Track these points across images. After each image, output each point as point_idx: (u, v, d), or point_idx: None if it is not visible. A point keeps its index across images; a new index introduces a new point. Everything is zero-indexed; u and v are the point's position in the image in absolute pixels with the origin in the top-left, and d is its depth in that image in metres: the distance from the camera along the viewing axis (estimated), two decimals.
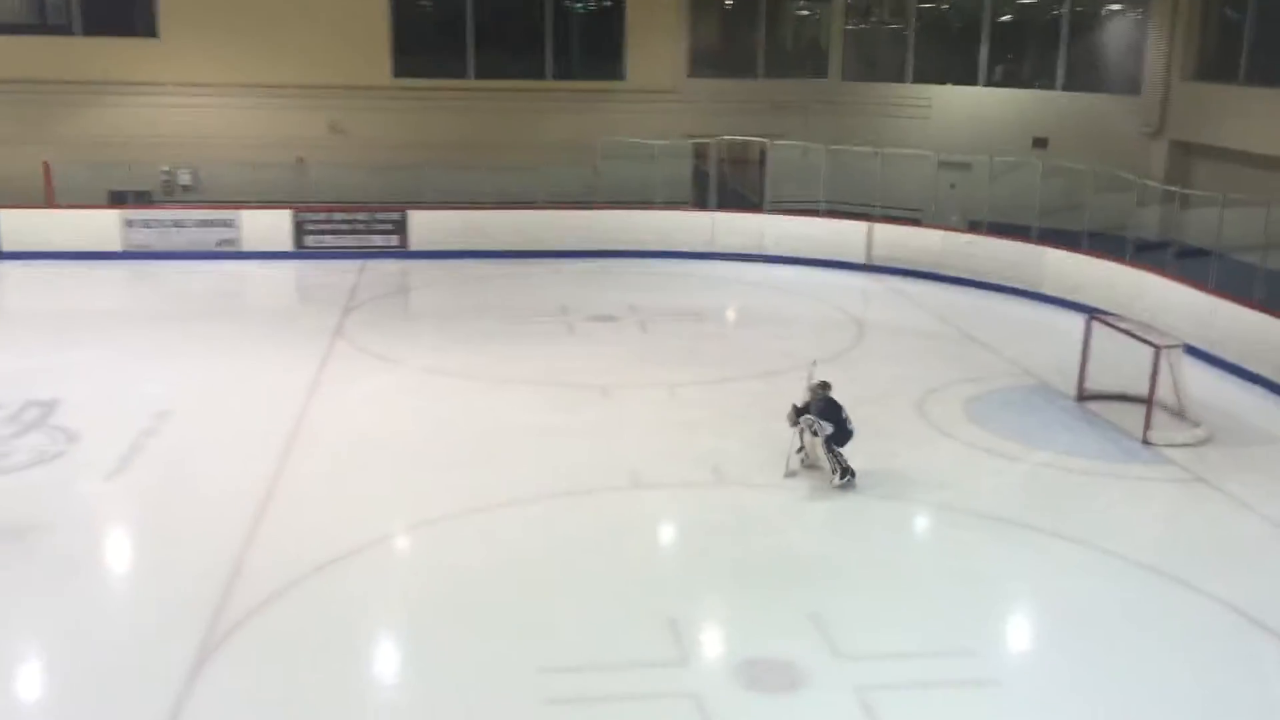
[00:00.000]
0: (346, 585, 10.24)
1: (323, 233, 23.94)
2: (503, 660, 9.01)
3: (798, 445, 12.87)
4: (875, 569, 10.77)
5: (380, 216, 24.09)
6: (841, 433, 12.45)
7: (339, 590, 10.15)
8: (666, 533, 11.98)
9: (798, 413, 12.72)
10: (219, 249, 23.53)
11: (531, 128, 26.78)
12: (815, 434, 12.54)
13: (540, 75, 27.89)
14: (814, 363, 13.68)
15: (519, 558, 10.84)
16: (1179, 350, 14.68)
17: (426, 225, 24.16)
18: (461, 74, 27.54)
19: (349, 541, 10.87)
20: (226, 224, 23.65)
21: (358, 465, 12.98)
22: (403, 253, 24.05)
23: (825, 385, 12.73)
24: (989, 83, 27.18)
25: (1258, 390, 16.17)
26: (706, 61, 28.98)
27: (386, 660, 9.44)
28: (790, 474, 12.78)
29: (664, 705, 8.46)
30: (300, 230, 23.86)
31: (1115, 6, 26.14)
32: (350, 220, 23.99)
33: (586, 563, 10.77)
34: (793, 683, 8.73)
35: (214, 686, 8.58)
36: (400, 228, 24.11)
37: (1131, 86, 25.31)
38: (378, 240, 24.06)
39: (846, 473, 12.44)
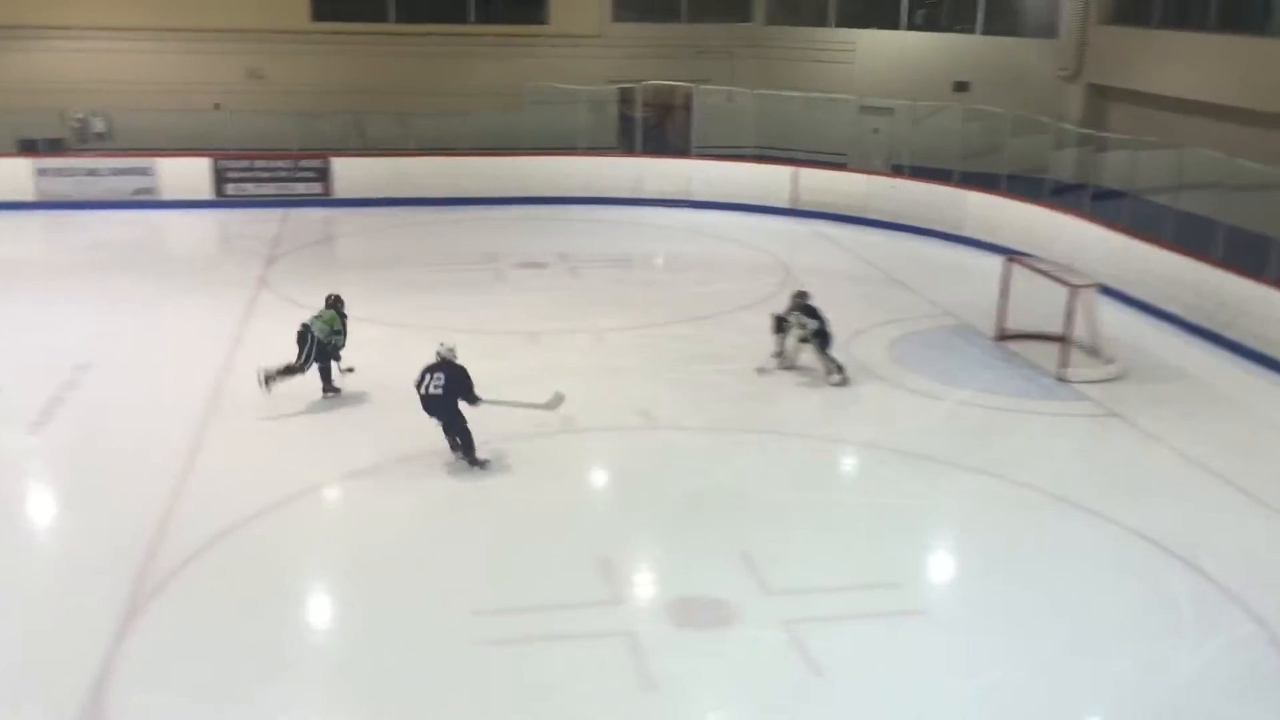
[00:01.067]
0: (276, 536, 10.24)
1: (244, 180, 23.50)
2: (436, 604, 9.11)
3: (776, 349, 14.11)
4: (803, 507, 11.01)
5: (303, 164, 23.70)
6: (825, 334, 13.81)
7: (268, 540, 10.15)
8: (598, 476, 12.13)
9: (779, 320, 13.93)
10: (136, 198, 23.00)
11: (455, 73, 26.45)
12: (803, 328, 13.86)
13: (462, 19, 27.48)
14: (800, 290, 14.56)
15: (450, 503, 10.91)
16: (1094, 290, 15.10)
17: (351, 173, 23.83)
18: (382, 18, 27.03)
19: (278, 492, 10.84)
20: (143, 172, 23.10)
21: (285, 416, 12.88)
22: (327, 201, 23.72)
23: (803, 294, 14.03)
24: (910, 27, 27.35)
25: (1169, 327, 16.69)
26: (630, 6, 28.74)
27: (319, 608, 9.49)
28: (762, 371, 14.09)
29: (597, 644, 8.63)
30: (220, 178, 23.40)
31: None
32: (272, 168, 23.57)
33: (518, 506, 10.87)
34: (724, 619, 8.94)
35: (145, 639, 8.56)
36: (324, 175, 23.75)
37: (1049, 30, 25.65)
38: (301, 188, 23.68)
39: (840, 369, 13.83)
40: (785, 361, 14.24)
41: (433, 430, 12.32)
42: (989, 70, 25.70)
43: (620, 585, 9.52)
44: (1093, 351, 14.93)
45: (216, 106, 24.80)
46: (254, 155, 23.55)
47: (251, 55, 26.10)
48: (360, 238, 21.88)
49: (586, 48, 27.54)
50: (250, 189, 23.45)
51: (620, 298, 17.84)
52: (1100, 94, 24.95)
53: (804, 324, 13.91)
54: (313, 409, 13.10)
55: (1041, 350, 15.08)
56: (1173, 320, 16.77)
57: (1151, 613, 9.24)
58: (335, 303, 13.48)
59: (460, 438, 11.46)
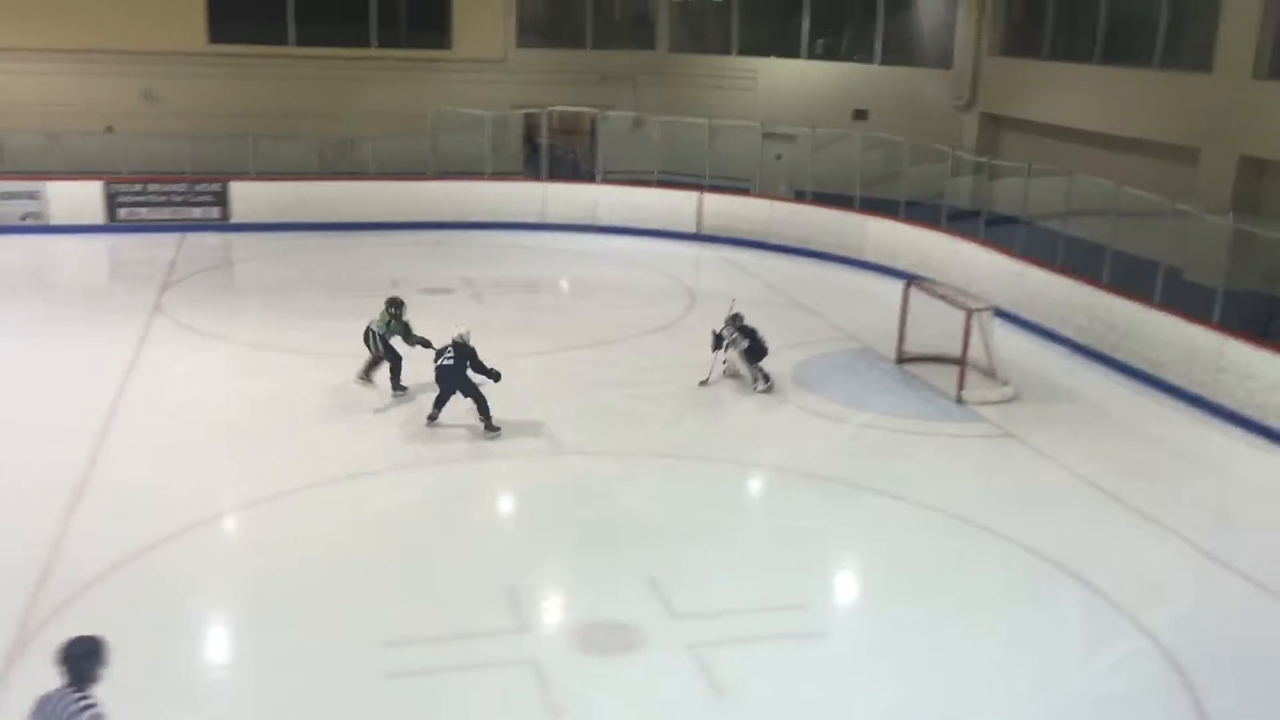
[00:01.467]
0: (172, 568, 9.96)
1: (137, 205, 22.93)
2: (340, 636, 8.94)
3: (722, 358, 15.03)
4: (709, 530, 11.06)
5: (199, 188, 23.22)
6: (758, 347, 14.80)
7: (164, 573, 9.86)
8: (504, 502, 12.05)
9: (717, 336, 14.90)
10: (24, 223, 22.29)
11: (358, 97, 26.21)
12: (736, 346, 14.78)
13: (365, 43, 27.24)
14: (733, 300, 15.66)
15: (354, 532, 10.72)
16: (989, 313, 15.48)
17: (250, 196, 23.41)
18: (282, 40, 26.66)
19: (173, 523, 10.56)
20: (31, 196, 22.39)
21: (180, 446, 12.57)
22: (225, 225, 23.26)
23: (738, 316, 15.02)
24: (811, 56, 27.86)
25: (1061, 350, 17.18)
26: (535, 31, 28.84)
27: (218, 642, 9.25)
28: (704, 383, 14.89)
29: (503, 673, 8.55)
30: (113, 202, 22.81)
31: None
32: (166, 192, 23.05)
33: (423, 535, 10.74)
34: (629, 644, 8.93)
35: (31, 676, 8.23)
36: (221, 199, 23.29)
37: (944, 61, 26.34)
38: (197, 212, 23.20)
39: (766, 379, 14.71)
40: (730, 369, 15.14)
41: (337, 458, 12.16)
42: (887, 99, 26.29)
43: (526, 613, 9.45)
44: (989, 373, 15.30)
45: (109, 129, 24.20)
46: (148, 178, 23.00)
47: (146, 77, 25.55)
48: (260, 263, 21.49)
49: (491, 73, 27.52)
50: (144, 213, 22.88)
51: (526, 323, 17.78)
52: (994, 123, 25.68)
53: (736, 342, 14.80)
54: (209, 437, 12.79)
55: (940, 372, 15.41)
56: (1065, 342, 17.27)
57: (1046, 628, 9.46)
58: (390, 304, 14.66)
59: (477, 402, 13.06)
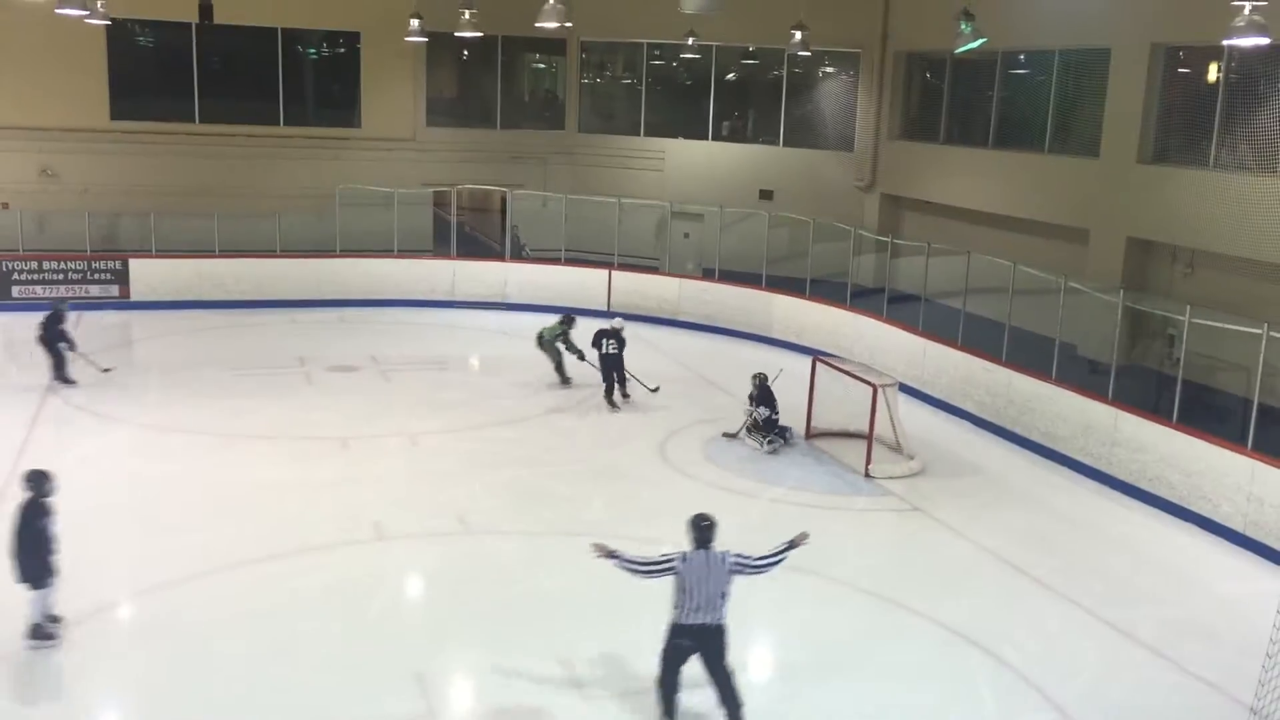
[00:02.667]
0: (64, 659, 9.55)
1: (32, 282, 22.35)
2: None
3: (750, 414, 16.06)
4: (619, 608, 10.93)
5: (98, 265, 22.73)
6: (771, 420, 15.80)
7: (56, 664, 9.46)
8: (412, 585, 11.82)
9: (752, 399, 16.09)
10: None
11: (265, 175, 26.00)
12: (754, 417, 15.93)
13: (273, 121, 27.08)
14: (780, 371, 16.58)
15: (255, 619, 10.41)
16: (895, 389, 15.79)
17: (151, 274, 22.98)
18: (187, 117, 26.39)
19: (69, 610, 10.12)
20: None
21: (76, 532, 11.98)
22: (125, 303, 22.77)
23: (763, 376, 16.13)
24: (717, 137, 28.46)
25: (964, 424, 17.54)
26: (444, 111, 29.02)
27: None
28: (731, 436, 16.13)
29: None
30: (7, 279, 22.20)
31: (829, 69, 27.99)
32: (63, 269, 22.51)
33: (328, 620, 10.46)
34: None
35: None
36: (121, 277, 22.82)
37: (846, 144, 27.12)
38: (95, 290, 22.68)
39: (772, 441, 15.70)
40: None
41: (238, 542, 11.84)
42: (792, 179, 26.92)
43: (434, 698, 9.24)
44: (895, 448, 15.54)
45: (4, 205, 23.63)
46: (44, 255, 22.45)
47: (46, 154, 25.07)
48: (161, 341, 21.02)
49: (400, 151, 27.57)
50: (39, 291, 22.29)
51: (435, 401, 17.63)
52: (894, 203, 26.43)
53: (755, 410, 15.94)
54: (106, 523, 12.36)
55: (848, 447, 15.61)
56: (966, 416, 17.65)
57: (957, 702, 9.53)
58: (564, 320, 18.37)
59: (620, 381, 17.30)
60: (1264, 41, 12.98)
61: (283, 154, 26.58)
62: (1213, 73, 18.47)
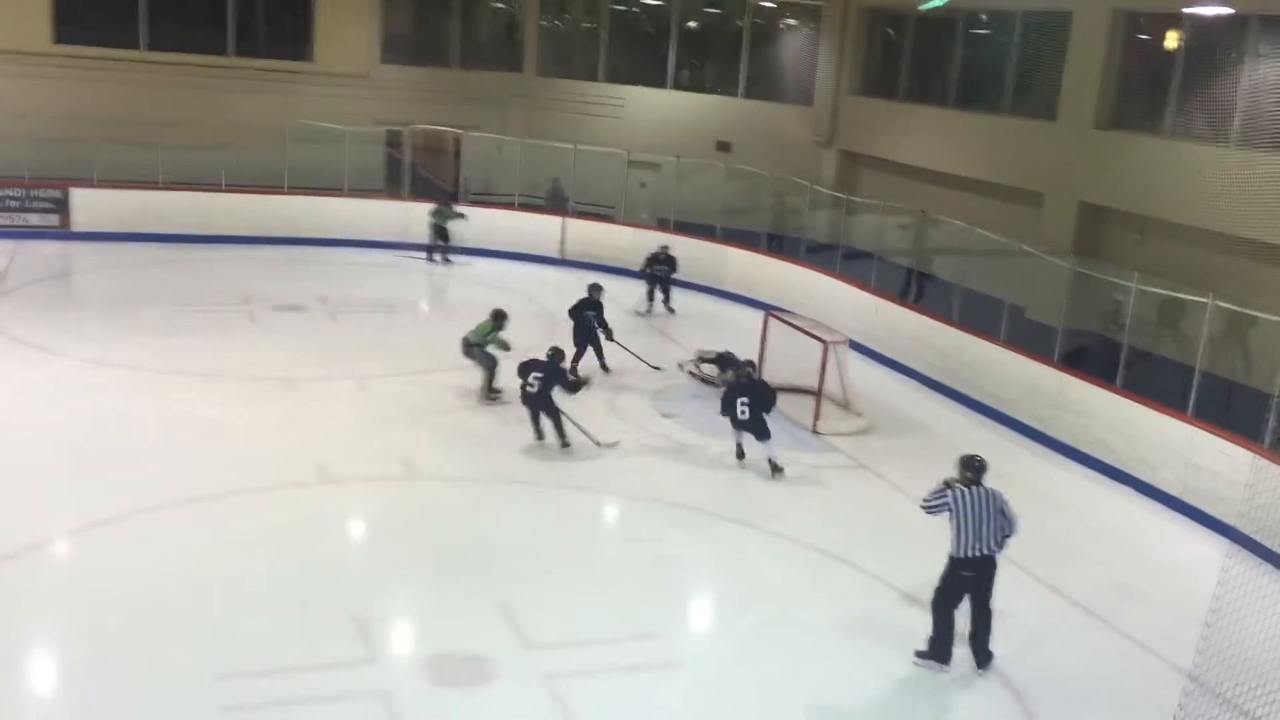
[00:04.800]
0: (0, 594, 9.37)
1: None
2: (177, 668, 8.52)
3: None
4: (565, 559, 10.96)
5: (37, 194, 22.12)
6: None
7: None
8: (354, 529, 11.72)
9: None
10: None
11: (214, 106, 25.33)
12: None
13: (222, 51, 26.40)
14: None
15: (193, 559, 10.26)
16: (845, 346, 15.82)
17: (93, 205, 22.42)
18: (133, 44, 25.63)
19: (1, 547, 9.95)
20: None
21: (10, 467, 11.88)
22: (64, 234, 22.22)
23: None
24: (676, 86, 28.19)
25: (912, 383, 17.65)
26: (400, 48, 28.45)
27: (44, 673, 8.71)
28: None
29: (350, 706, 8.28)
30: None
31: (791, 22, 27.76)
32: (1, 196, 21.88)
33: (268, 562, 10.35)
34: (482, 675, 8.75)
35: None
36: (62, 206, 22.24)
37: (805, 98, 26.97)
38: (34, 219, 22.10)
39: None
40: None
41: (178, 481, 11.66)
42: (750, 132, 26.75)
43: (376, 644, 9.18)
44: (843, 405, 15.60)
45: None
46: None
47: None
48: (101, 274, 20.56)
49: (353, 88, 27.00)
50: None
51: (383, 343, 17.43)
52: (852, 160, 26.38)
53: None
54: (42, 458, 12.12)
55: (796, 403, 15.61)
56: (916, 376, 17.75)
57: (891, 656, 9.61)
58: (494, 315, 15.16)
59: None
60: (1225, 10, 13.02)
61: (231, 85, 25.91)
62: (1172, 40, 18.53)
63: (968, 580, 9.23)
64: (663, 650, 9.46)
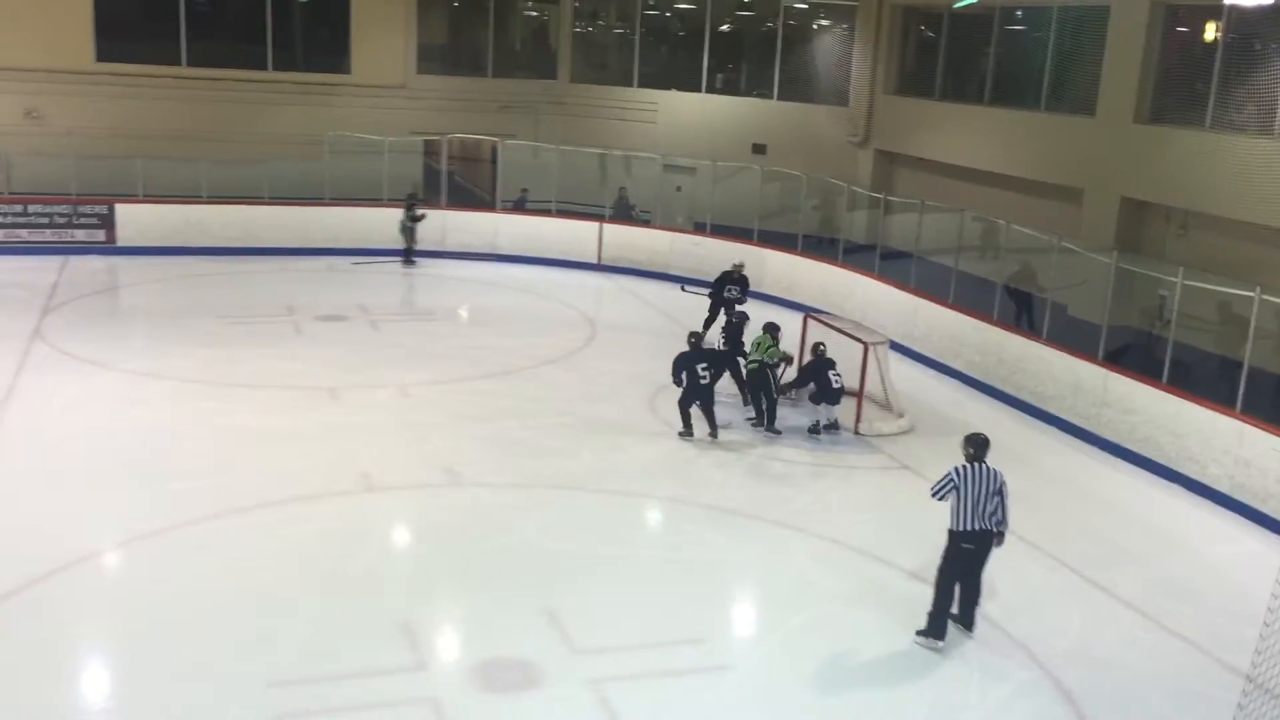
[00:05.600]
0: (52, 606, 9.53)
1: (17, 226, 22.09)
2: (230, 677, 8.62)
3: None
4: (609, 563, 10.99)
5: (84, 209, 22.47)
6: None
7: (44, 611, 9.43)
8: (400, 536, 11.81)
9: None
10: None
11: (253, 120, 25.68)
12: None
13: (261, 65, 26.73)
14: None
15: (243, 568, 10.39)
16: (885, 346, 15.75)
17: (138, 220, 22.74)
18: (174, 60, 26.01)
19: (52, 559, 10.11)
20: None
21: (62, 477, 12.08)
22: (111, 249, 22.56)
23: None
24: (710, 90, 28.20)
25: (953, 383, 17.54)
26: (435, 58, 28.67)
27: (98, 684, 8.83)
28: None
29: (400, 712, 8.34)
30: None
31: (824, 22, 27.70)
32: (49, 213, 22.26)
33: (316, 570, 10.45)
34: (529, 681, 8.79)
35: None
36: (107, 222, 22.59)
37: (840, 98, 26.90)
38: (81, 235, 22.44)
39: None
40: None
41: (226, 491, 11.81)
42: (785, 134, 26.72)
43: (423, 650, 9.25)
44: (885, 406, 15.53)
45: None
46: (29, 199, 22.18)
47: (30, 95, 24.71)
48: (147, 288, 20.85)
49: (390, 98, 27.25)
50: (24, 235, 22.06)
51: (424, 352, 17.55)
52: (888, 159, 26.28)
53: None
54: (93, 469, 12.31)
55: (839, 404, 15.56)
56: (957, 375, 17.64)
57: (943, 661, 9.58)
58: (768, 329, 15.16)
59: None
60: (1265, 1, 12.86)
61: (271, 99, 26.25)
62: (1211, 32, 18.33)
63: (968, 553, 9.55)
64: (709, 654, 9.45)
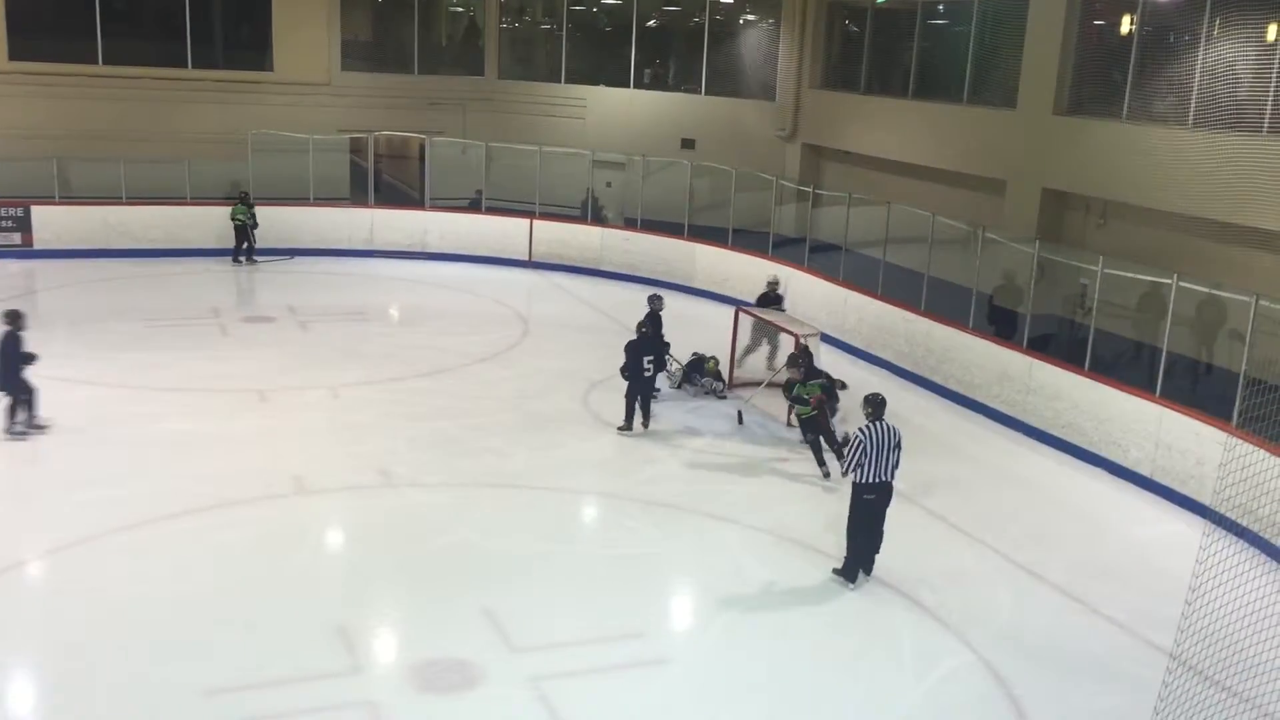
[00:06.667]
0: None
1: None
2: (164, 685, 8.48)
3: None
4: (545, 560, 10.98)
5: None
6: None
7: None
8: (333, 539, 11.69)
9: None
10: None
11: (174, 119, 25.20)
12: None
13: (181, 63, 26.18)
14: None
15: (174, 575, 10.22)
16: (817, 338, 15.90)
17: (55, 222, 22.21)
18: (91, 59, 25.38)
19: None
20: None
21: None
22: (27, 252, 21.99)
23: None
24: (639, 85, 28.23)
25: (883, 372, 17.77)
26: (360, 55, 28.35)
27: (27, 697, 8.62)
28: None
29: (338, 716, 8.26)
30: None
31: (750, 17, 27.86)
32: None
33: (248, 575, 10.31)
34: (468, 681, 8.76)
35: None
36: (23, 225, 22.02)
37: (767, 93, 27.09)
38: None
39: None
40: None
41: (154, 497, 11.59)
42: (714, 129, 26.84)
43: (359, 653, 9.17)
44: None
45: None
46: None
47: None
48: (66, 291, 20.35)
49: (314, 96, 26.89)
50: None
51: (355, 352, 17.36)
52: (816, 153, 26.52)
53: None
54: (11, 477, 12.01)
55: (771, 397, 15.70)
56: (886, 365, 17.88)
57: (877, 648, 9.72)
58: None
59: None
60: None
61: (191, 97, 25.76)
62: (1126, 25, 18.75)
63: (869, 503, 10.48)
64: (648, 648, 9.49)
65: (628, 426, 14.30)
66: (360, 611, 9.80)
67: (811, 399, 13.23)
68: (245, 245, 22.57)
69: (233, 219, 22.46)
